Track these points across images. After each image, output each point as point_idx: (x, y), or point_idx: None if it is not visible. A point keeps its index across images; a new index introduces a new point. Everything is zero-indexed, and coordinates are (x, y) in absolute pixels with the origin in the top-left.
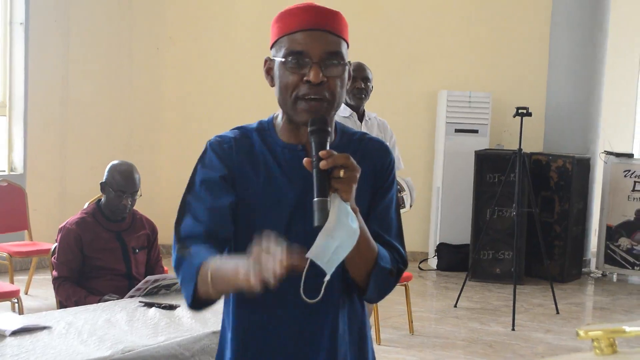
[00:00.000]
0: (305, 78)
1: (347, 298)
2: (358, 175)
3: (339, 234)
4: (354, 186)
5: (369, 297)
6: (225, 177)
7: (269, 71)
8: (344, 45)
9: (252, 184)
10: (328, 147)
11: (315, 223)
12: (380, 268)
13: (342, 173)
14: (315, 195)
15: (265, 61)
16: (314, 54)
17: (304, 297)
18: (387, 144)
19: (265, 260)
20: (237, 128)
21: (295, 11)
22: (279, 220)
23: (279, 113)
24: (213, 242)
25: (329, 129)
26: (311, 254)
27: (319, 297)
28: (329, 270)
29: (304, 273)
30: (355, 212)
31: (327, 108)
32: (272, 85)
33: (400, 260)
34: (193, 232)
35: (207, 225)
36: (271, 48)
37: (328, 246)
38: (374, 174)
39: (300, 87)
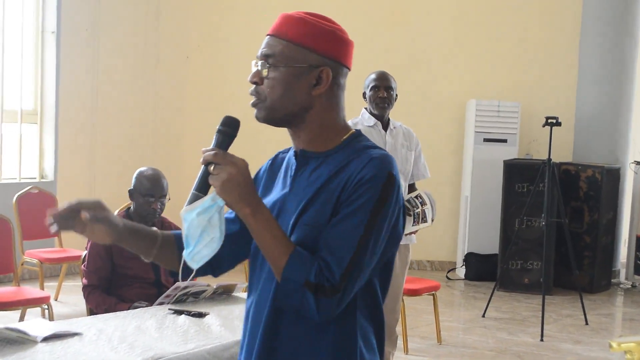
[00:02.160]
0: None
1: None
2: (232, 175)
3: (184, 225)
4: (226, 183)
5: (277, 301)
6: None
7: None
8: (285, 47)
9: (269, 195)
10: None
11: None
12: (283, 277)
13: (210, 169)
14: (193, 188)
15: None
16: (257, 57)
17: (180, 275)
18: (412, 152)
19: None
20: None
21: None
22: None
23: None
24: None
25: (232, 132)
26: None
27: (190, 278)
28: (189, 259)
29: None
30: (244, 210)
31: (261, 108)
32: None
33: (330, 278)
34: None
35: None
36: None
37: (184, 235)
38: (343, 185)
39: None
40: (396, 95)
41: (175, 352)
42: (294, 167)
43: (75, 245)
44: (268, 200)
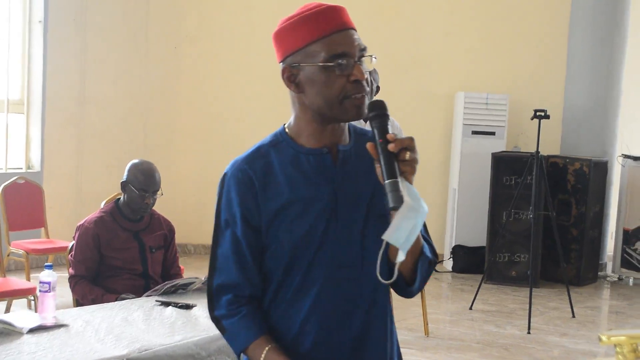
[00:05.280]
0: (351, 78)
1: (377, 294)
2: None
3: (412, 214)
4: (416, 167)
5: (416, 287)
6: (246, 216)
7: (292, 78)
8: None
9: (278, 202)
10: (381, 140)
11: (390, 204)
12: (425, 257)
13: (407, 155)
14: (385, 177)
15: (285, 70)
16: (353, 52)
17: (379, 277)
18: None
19: None
20: (254, 149)
21: (316, 15)
22: (316, 227)
23: (293, 121)
24: (250, 291)
25: (386, 112)
26: (387, 236)
27: (393, 278)
28: (404, 250)
29: (380, 254)
30: None
31: (366, 100)
32: (299, 92)
33: (433, 252)
34: (225, 286)
35: (238, 277)
36: (287, 57)
37: (404, 227)
38: None
39: (346, 87)
40: (377, 87)
41: (162, 344)
42: (325, 162)
43: (62, 236)
44: (291, 196)
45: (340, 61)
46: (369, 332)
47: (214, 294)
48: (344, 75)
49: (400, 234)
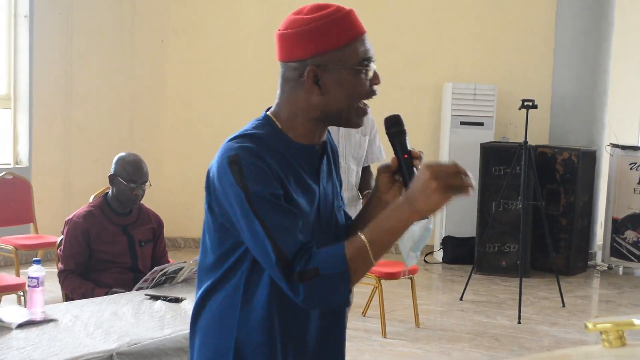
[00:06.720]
0: (374, 81)
1: None
2: None
3: (431, 226)
4: None
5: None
6: (274, 185)
7: (315, 79)
8: None
9: (288, 189)
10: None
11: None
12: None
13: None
14: None
15: (310, 70)
16: (372, 57)
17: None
18: (367, 136)
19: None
20: (246, 137)
21: (345, 18)
22: (311, 217)
23: (285, 115)
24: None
25: (404, 129)
26: (408, 247)
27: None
28: (418, 255)
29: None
30: None
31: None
32: (320, 93)
33: None
34: (299, 247)
35: (301, 232)
36: (315, 57)
37: (424, 237)
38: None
39: (369, 91)
40: None
41: (152, 338)
42: (315, 159)
43: (51, 231)
44: (294, 191)
45: (368, 65)
46: (332, 324)
47: (293, 259)
48: (368, 79)
49: (420, 244)
